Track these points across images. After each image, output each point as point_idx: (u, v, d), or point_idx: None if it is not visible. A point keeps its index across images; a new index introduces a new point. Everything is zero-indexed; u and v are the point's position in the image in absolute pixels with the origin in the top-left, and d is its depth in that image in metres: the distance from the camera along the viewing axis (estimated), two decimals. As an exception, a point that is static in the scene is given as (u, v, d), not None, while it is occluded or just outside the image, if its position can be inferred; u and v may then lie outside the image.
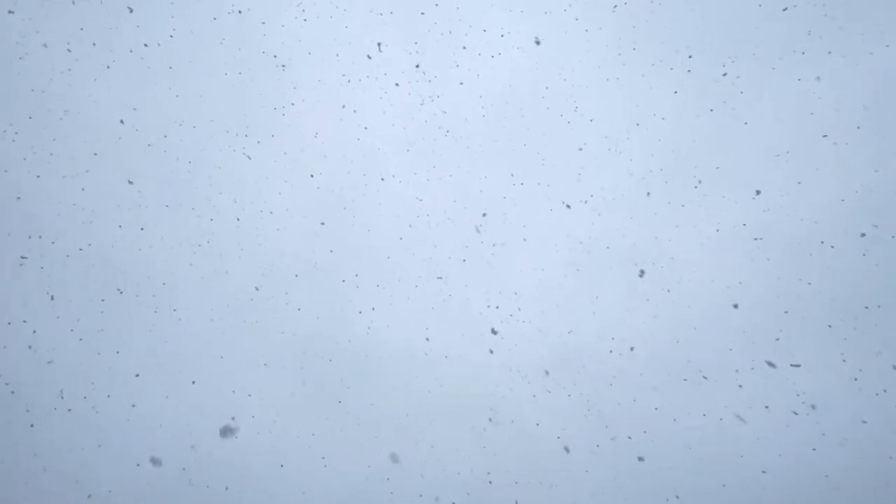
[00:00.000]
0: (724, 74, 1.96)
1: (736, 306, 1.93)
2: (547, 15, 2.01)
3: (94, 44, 2.00)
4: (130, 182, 2.00)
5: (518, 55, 2.02)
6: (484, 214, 2.02)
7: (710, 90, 1.97)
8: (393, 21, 2.03)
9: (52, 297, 1.95)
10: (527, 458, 1.94)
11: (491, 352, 1.98)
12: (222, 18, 2.02)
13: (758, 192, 1.93)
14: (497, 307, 2.00)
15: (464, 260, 2.01)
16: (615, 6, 1.97)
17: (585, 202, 2.00)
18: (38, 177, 1.97)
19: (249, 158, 2.02)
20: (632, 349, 1.96)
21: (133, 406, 1.94)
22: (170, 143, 2.01)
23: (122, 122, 2.00)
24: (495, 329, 1.99)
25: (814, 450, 1.87)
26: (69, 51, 2.00)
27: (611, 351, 1.96)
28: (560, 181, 2.01)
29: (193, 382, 1.96)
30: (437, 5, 2.03)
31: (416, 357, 1.99)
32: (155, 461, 1.93)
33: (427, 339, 1.99)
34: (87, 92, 2.00)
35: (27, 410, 1.92)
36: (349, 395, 1.98)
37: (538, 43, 2.02)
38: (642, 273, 1.97)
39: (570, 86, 2.01)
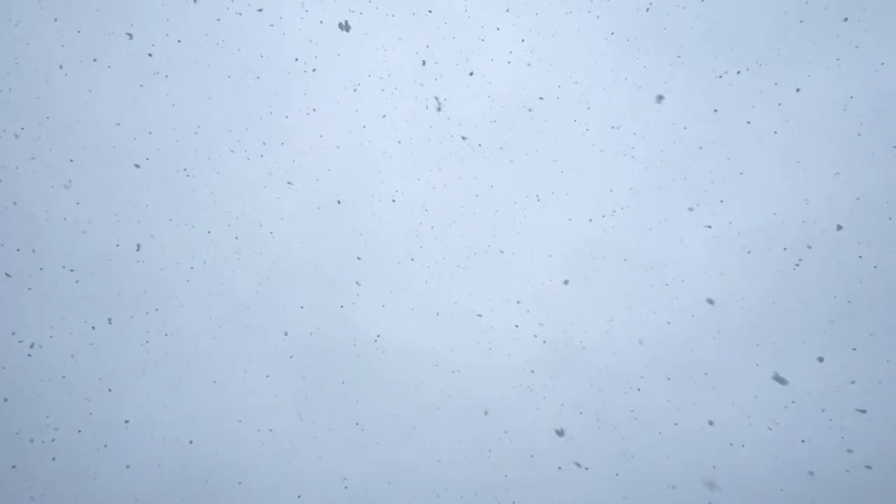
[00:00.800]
0: (751, 80, 1.90)
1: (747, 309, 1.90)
2: (567, 16, 1.96)
3: (94, 59, 1.96)
4: (127, 191, 1.98)
5: (529, 58, 1.97)
6: (490, 220, 2.00)
7: (732, 95, 1.91)
8: (401, 23, 1.98)
9: (42, 320, 1.93)
10: (528, 461, 1.94)
11: (495, 357, 1.98)
12: (224, 22, 1.98)
13: (766, 201, 1.90)
14: (503, 313, 1.99)
15: (470, 266, 1.99)
16: (647, 8, 1.91)
17: (596, 206, 1.97)
18: (24, 192, 1.95)
19: (251, 164, 1.99)
20: (640, 355, 1.94)
21: (126, 451, 1.94)
22: (168, 151, 1.98)
23: (118, 124, 1.98)
24: (500, 335, 1.98)
25: (849, 462, 1.84)
26: (61, 67, 1.96)
27: (618, 357, 1.95)
28: (569, 186, 1.98)
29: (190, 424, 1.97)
30: (447, 6, 1.97)
31: (420, 364, 1.98)
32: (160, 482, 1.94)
33: (432, 347, 1.98)
34: (84, 100, 1.97)
35: (17, 433, 1.91)
36: (352, 403, 1.98)
37: (546, 46, 1.97)
38: (652, 280, 1.95)
39: (583, 88, 1.96)
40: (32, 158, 1.95)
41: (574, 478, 1.93)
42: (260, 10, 1.97)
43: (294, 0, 1.97)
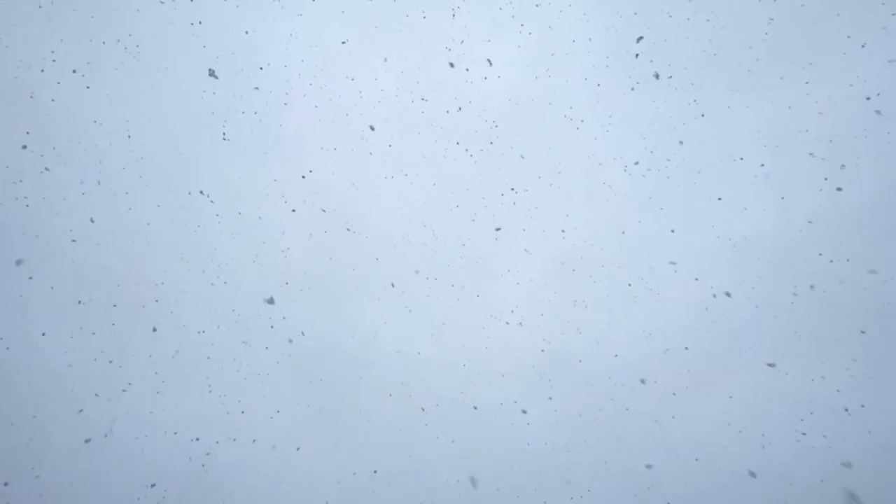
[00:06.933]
0: (734, 84, 1.92)
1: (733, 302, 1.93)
2: (552, 27, 1.98)
3: (88, 63, 1.98)
4: (127, 205, 2.00)
5: (521, 67, 1.99)
6: (487, 227, 2.02)
7: (723, 106, 1.93)
8: (394, 31, 2.00)
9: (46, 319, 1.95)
10: (524, 463, 1.96)
11: (492, 361, 2.00)
12: (209, 22, 1.99)
13: (746, 207, 1.92)
14: (500, 318, 2.01)
15: (467, 273, 2.02)
16: (639, 36, 1.93)
17: (590, 214, 1.99)
18: (32, 204, 1.97)
19: (249, 170, 2.01)
20: (617, 356, 1.96)
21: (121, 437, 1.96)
22: (164, 155, 1.99)
23: (128, 135, 1.99)
24: (497, 340, 2.00)
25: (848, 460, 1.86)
26: (58, 83, 1.98)
27: (615, 360, 1.97)
28: (564, 193, 2.00)
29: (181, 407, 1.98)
30: (452, 15, 1.99)
31: (417, 368, 2.00)
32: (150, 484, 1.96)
33: (428, 352, 2.00)
34: (88, 118, 1.98)
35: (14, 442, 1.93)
36: (350, 406, 2.00)
37: (536, 57, 1.99)
38: (638, 283, 1.97)
39: (574, 98, 1.98)
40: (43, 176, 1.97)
41: (570, 480, 1.94)
42: (234, 16, 1.98)
43: (287, 15, 1.99)
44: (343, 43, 2.00)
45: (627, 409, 1.95)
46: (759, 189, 1.90)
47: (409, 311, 2.01)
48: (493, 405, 1.99)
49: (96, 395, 1.96)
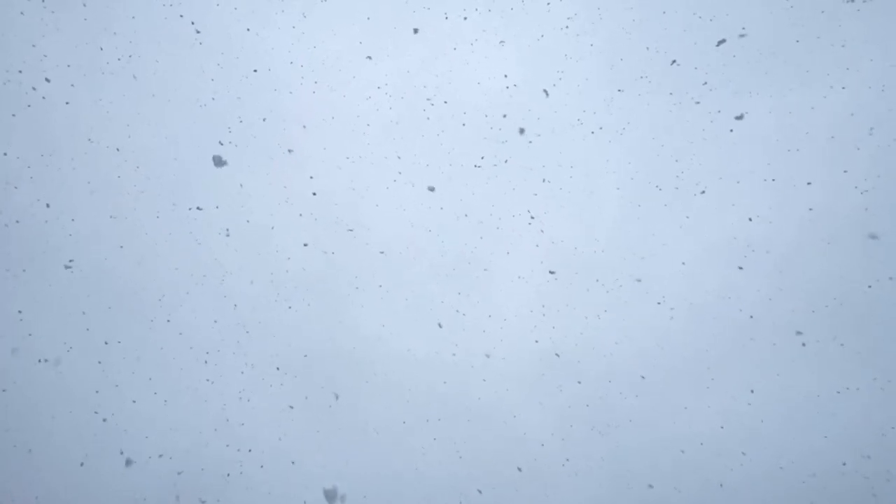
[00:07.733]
0: (735, 92, 1.88)
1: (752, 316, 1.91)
2: (564, 29, 1.92)
3: (82, 68, 1.95)
4: (127, 207, 2.00)
5: (521, 76, 1.95)
6: (488, 231, 2.00)
7: (714, 110, 1.90)
8: (398, 40, 1.96)
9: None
10: (524, 466, 1.97)
11: (493, 363, 2.00)
12: (209, 31, 1.96)
13: (748, 217, 1.89)
14: (499, 319, 2.00)
15: (468, 277, 2.00)
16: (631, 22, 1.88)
17: (588, 217, 1.97)
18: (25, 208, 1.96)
19: (248, 173, 2.00)
20: (641, 375, 1.95)
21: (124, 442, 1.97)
22: (164, 159, 1.99)
23: (118, 149, 1.98)
24: (498, 342, 2.00)
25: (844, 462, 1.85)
26: (49, 81, 1.96)
27: (615, 362, 1.96)
28: (561, 197, 1.97)
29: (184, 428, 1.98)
30: (465, 18, 1.95)
31: (417, 370, 2.00)
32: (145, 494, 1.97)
33: (429, 354, 2.00)
34: (87, 127, 1.97)
35: (14, 445, 1.94)
36: (351, 408, 2.01)
37: (538, 65, 1.94)
38: (653, 292, 1.94)
39: (573, 109, 1.94)
40: (38, 201, 1.95)
41: (571, 482, 1.95)
42: (234, 25, 1.95)
43: (288, 19, 1.95)
44: (348, 44, 1.96)
45: (643, 424, 1.95)
46: (780, 197, 1.87)
47: (414, 317, 2.01)
48: (503, 412, 1.99)
49: (95, 412, 1.97)
